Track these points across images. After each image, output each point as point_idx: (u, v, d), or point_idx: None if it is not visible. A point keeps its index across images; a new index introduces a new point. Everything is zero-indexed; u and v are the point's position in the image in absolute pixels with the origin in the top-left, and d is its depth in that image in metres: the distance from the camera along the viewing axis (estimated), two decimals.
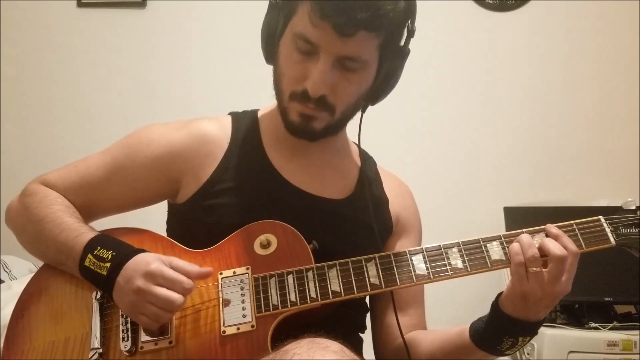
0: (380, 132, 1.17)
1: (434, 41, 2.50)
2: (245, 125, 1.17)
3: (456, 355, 1.06)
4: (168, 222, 1.20)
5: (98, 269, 0.98)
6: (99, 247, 1.00)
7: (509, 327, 0.98)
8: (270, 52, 1.07)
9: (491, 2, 2.64)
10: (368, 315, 1.21)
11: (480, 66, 2.64)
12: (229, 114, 1.21)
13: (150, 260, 0.95)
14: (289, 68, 1.04)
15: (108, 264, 0.97)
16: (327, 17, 0.95)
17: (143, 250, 1.00)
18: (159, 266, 0.94)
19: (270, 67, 1.11)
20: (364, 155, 1.22)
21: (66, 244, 1.02)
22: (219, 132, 1.14)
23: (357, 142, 1.20)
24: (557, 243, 0.95)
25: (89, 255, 0.99)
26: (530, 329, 0.98)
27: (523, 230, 1.00)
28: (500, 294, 1.00)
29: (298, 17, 1.01)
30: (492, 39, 2.65)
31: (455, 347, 1.06)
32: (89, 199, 1.13)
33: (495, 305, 1.00)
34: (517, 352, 2.33)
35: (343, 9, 0.95)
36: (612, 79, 2.62)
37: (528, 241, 0.96)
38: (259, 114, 1.20)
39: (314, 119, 1.05)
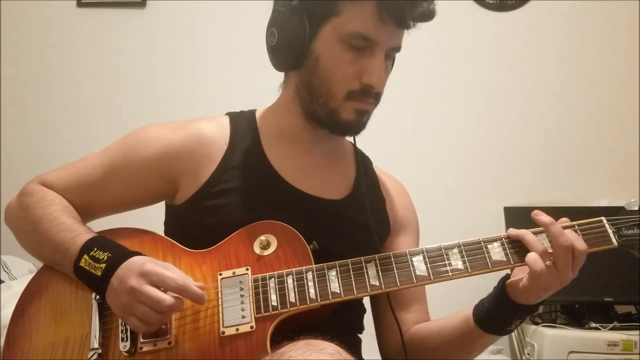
0: (379, 132, 1.16)
1: (433, 41, 2.50)
2: (244, 126, 1.16)
3: (464, 343, 1.07)
4: (166, 223, 1.20)
5: (93, 269, 0.97)
6: (95, 249, 0.99)
7: (521, 313, 1.00)
8: (299, 56, 1.05)
9: (491, 2, 2.64)
10: (365, 316, 1.21)
11: (480, 66, 2.64)
12: (227, 114, 1.20)
13: (144, 261, 0.95)
14: (340, 68, 1.04)
15: (103, 265, 0.97)
16: (394, 13, 1.00)
17: (139, 253, 0.99)
18: (153, 266, 0.94)
19: (269, 68, 1.10)
20: (360, 155, 1.22)
21: (63, 245, 1.02)
22: (218, 132, 1.14)
23: (353, 142, 1.19)
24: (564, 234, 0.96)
25: (85, 256, 0.99)
26: (537, 306, 1.01)
27: (523, 230, 1.00)
28: (503, 288, 1.00)
29: (349, 17, 1.01)
30: (492, 39, 2.64)
31: (462, 337, 1.06)
32: (88, 199, 1.12)
33: (510, 301, 0.99)
34: (518, 352, 2.33)
35: (405, 5, 1.00)
36: (612, 79, 2.62)
37: (533, 238, 0.97)
38: (257, 114, 1.20)
39: (366, 113, 1.07)
